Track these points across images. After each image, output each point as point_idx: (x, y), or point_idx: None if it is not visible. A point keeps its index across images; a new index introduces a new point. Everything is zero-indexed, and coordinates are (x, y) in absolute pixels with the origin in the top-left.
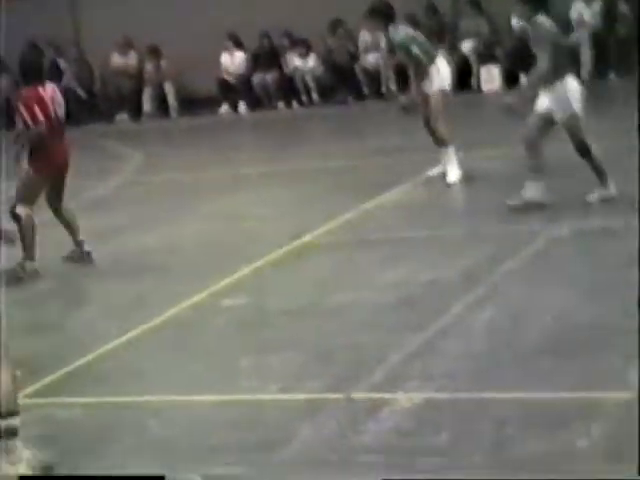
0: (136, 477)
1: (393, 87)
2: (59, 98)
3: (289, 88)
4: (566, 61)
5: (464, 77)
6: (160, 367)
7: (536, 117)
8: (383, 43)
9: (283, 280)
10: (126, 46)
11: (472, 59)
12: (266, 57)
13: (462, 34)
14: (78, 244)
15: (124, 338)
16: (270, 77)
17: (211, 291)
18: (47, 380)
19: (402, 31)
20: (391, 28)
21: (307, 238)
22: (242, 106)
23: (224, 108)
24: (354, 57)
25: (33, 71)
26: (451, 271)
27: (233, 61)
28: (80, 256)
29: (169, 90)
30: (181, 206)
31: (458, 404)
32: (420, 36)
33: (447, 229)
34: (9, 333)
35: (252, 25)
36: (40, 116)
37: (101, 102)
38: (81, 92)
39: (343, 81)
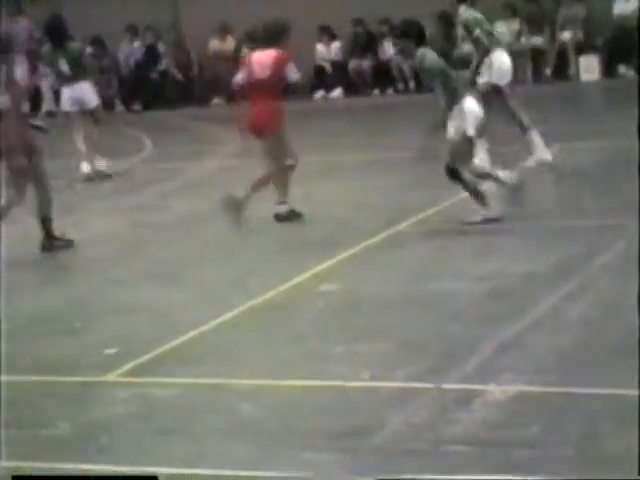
0: (130, 477)
1: None
2: (267, 62)
3: (385, 75)
4: (461, 85)
5: (563, 67)
6: (254, 350)
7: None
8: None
9: (378, 267)
10: (224, 31)
11: (571, 48)
12: (362, 44)
13: (561, 23)
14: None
15: (220, 319)
16: (366, 64)
17: (307, 276)
18: (143, 359)
19: (470, 13)
20: (462, 8)
21: (403, 226)
22: (337, 92)
23: (319, 94)
24: (454, 45)
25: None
26: (545, 263)
27: (328, 50)
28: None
29: None
30: None
31: (549, 398)
32: (486, 24)
33: (542, 221)
34: (109, 311)
35: (349, 11)
36: (237, 78)
37: (197, 86)
38: (178, 75)
39: None
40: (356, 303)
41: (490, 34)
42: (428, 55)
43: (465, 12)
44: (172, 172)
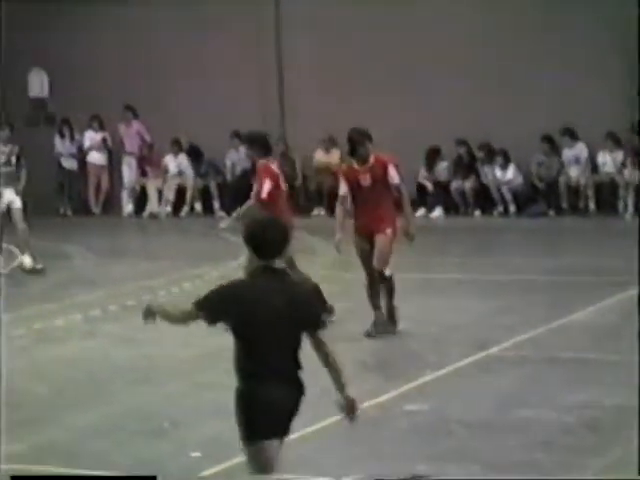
0: (129, 477)
1: (592, 205)
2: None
3: (486, 197)
4: None
5: None
6: (336, 464)
7: None
8: (585, 159)
9: (467, 390)
10: (330, 143)
11: None
12: (464, 165)
13: None
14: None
15: (306, 431)
16: (468, 185)
17: (394, 394)
18: (226, 464)
19: None
20: None
21: (493, 350)
22: (438, 211)
23: (420, 212)
24: (558, 171)
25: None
26: (637, 399)
27: (433, 170)
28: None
29: None
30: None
31: None
32: None
33: (637, 354)
34: (197, 414)
35: (454, 132)
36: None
37: (300, 196)
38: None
39: (543, 194)
40: (442, 425)
41: None
42: None
43: None
44: None
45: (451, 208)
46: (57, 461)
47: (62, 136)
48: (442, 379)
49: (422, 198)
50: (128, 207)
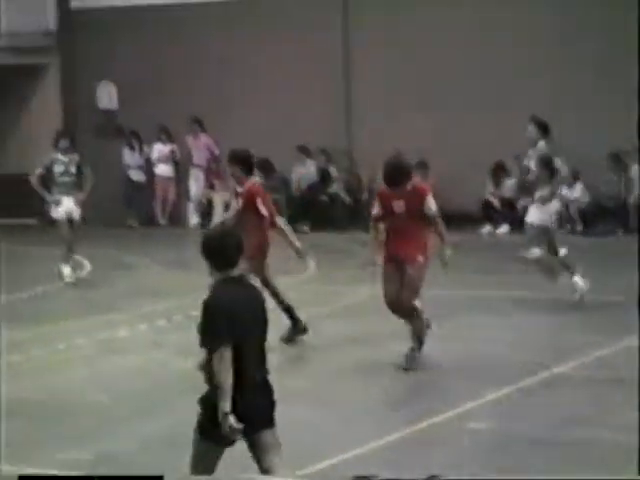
0: (135, 477)
1: None
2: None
3: None
4: None
5: None
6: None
7: None
8: None
9: (530, 409)
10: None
11: None
12: (532, 183)
13: None
14: None
15: (365, 448)
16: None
17: (457, 411)
18: (301, 473)
19: None
20: None
21: (556, 369)
22: (504, 228)
23: (486, 228)
24: (626, 189)
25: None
26: None
27: (500, 187)
28: None
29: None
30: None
31: None
32: None
33: None
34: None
35: (518, 149)
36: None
37: (366, 211)
38: (348, 199)
39: (610, 213)
40: (504, 442)
41: None
42: None
43: None
44: (329, 295)
45: (517, 225)
46: (119, 470)
47: (131, 148)
48: (505, 397)
49: (488, 214)
50: (194, 219)
